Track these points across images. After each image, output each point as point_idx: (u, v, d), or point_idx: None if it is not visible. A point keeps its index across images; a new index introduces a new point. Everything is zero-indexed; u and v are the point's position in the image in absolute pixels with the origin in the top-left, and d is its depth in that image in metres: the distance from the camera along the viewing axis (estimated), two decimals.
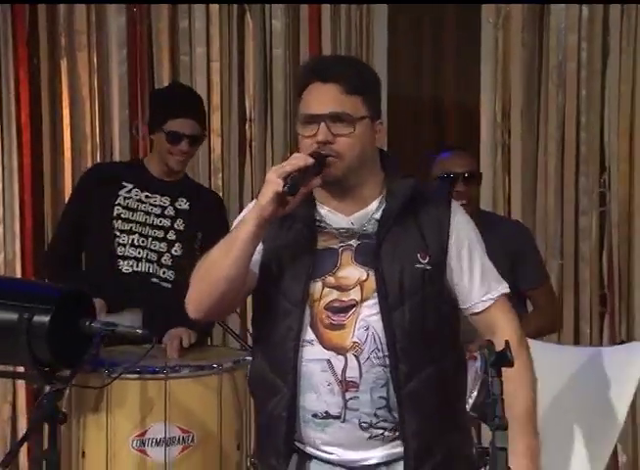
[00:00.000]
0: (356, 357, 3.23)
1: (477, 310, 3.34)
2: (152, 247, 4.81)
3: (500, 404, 2.59)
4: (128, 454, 4.19)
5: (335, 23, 5.89)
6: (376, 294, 3.25)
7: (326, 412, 3.26)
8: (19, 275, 5.63)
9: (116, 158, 5.66)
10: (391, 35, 6.02)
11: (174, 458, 4.25)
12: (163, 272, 4.78)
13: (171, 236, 4.81)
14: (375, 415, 3.25)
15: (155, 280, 4.79)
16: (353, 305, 3.26)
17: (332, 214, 3.28)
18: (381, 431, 3.26)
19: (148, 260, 4.80)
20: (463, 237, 3.34)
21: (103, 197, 4.82)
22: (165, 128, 4.76)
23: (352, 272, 3.28)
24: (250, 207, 3.36)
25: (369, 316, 3.25)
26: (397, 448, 3.28)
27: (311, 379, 3.26)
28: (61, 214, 5.14)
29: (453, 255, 3.32)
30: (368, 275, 3.26)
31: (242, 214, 3.41)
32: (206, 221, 4.85)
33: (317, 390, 3.25)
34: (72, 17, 5.63)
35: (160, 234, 4.80)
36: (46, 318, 3.89)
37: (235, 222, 3.44)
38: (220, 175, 5.64)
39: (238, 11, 5.73)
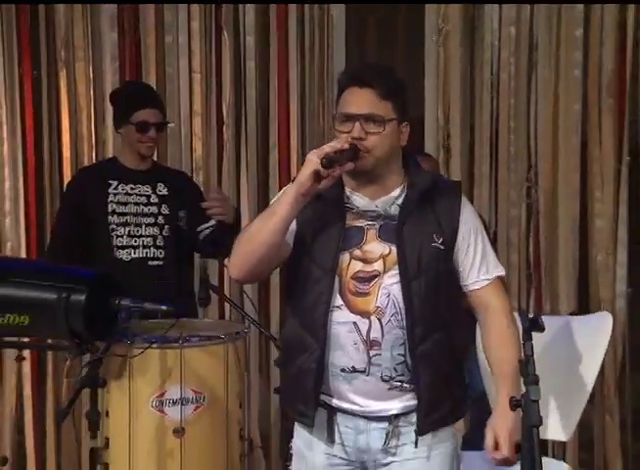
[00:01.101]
0: (379, 320, 3.37)
1: (474, 288, 3.49)
2: (146, 233, 4.88)
3: (532, 364, 2.83)
4: (148, 413, 4.30)
5: (301, 41, 5.87)
6: (397, 266, 3.37)
7: (352, 367, 3.37)
8: None
9: (109, 155, 5.57)
10: (349, 56, 6.03)
11: (188, 416, 4.37)
12: (160, 253, 4.87)
13: (160, 220, 4.90)
14: (394, 369, 3.37)
15: (150, 263, 4.85)
16: (376, 276, 3.38)
17: (359, 198, 3.40)
18: (399, 383, 3.37)
19: (144, 246, 4.88)
20: (470, 225, 3.48)
21: (95, 197, 4.88)
22: (133, 119, 4.83)
23: (376, 247, 3.40)
24: (286, 189, 3.45)
25: (390, 285, 3.37)
26: (412, 401, 3.41)
27: (339, 339, 3.38)
28: (55, 219, 5.14)
29: (461, 238, 3.46)
30: (390, 250, 3.39)
31: (279, 195, 3.50)
32: (185, 200, 4.94)
33: (344, 348, 3.37)
34: (71, 33, 5.63)
35: (150, 220, 4.89)
36: (82, 297, 4.09)
37: (272, 202, 3.52)
38: (201, 173, 5.71)
39: (216, 28, 5.77)
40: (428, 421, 3.39)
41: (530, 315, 2.98)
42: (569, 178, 5.61)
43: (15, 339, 4.73)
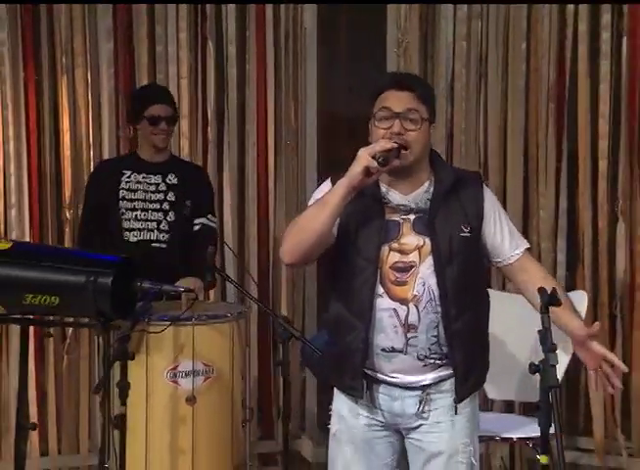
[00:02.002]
0: (416, 307, 3.43)
1: (510, 262, 3.56)
2: (151, 217, 5.00)
3: (550, 334, 2.96)
4: (163, 384, 4.47)
5: (278, 57, 5.94)
6: (431, 256, 3.43)
7: (392, 347, 3.45)
8: None
9: (106, 153, 5.68)
10: (320, 66, 6.06)
11: (199, 386, 4.54)
12: (163, 236, 4.97)
13: (165, 206, 5.00)
14: (429, 349, 3.45)
15: (155, 245, 4.97)
16: (413, 266, 3.44)
17: (393, 193, 3.46)
18: (432, 361, 3.46)
19: (149, 230, 4.98)
20: (494, 210, 3.56)
21: (110, 186, 5.02)
22: (147, 114, 4.94)
23: (412, 239, 3.45)
24: (323, 187, 3.56)
25: (426, 275, 3.43)
26: (443, 372, 3.48)
27: (381, 323, 3.44)
28: (82, 209, 5.21)
29: (487, 223, 3.53)
30: (424, 242, 3.44)
31: (319, 191, 3.57)
32: (193, 191, 5.06)
33: (385, 331, 3.44)
34: (71, 42, 5.60)
35: (156, 206, 4.98)
36: (109, 280, 4.13)
37: (312, 198, 3.58)
38: None
39: (201, 39, 5.80)
40: (463, 389, 3.49)
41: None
42: (515, 174, 5.72)
43: None
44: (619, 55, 5.64)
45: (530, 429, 4.35)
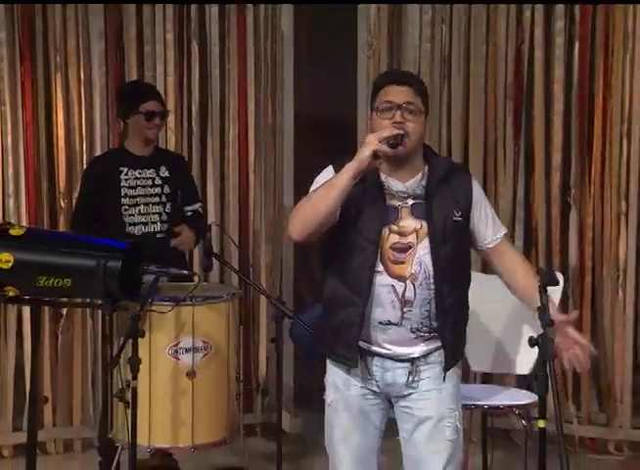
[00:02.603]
0: (413, 284, 3.50)
1: (491, 245, 3.66)
2: (153, 210, 5.05)
3: (548, 310, 3.06)
4: (165, 360, 4.50)
5: (257, 58, 5.99)
6: (427, 238, 3.51)
7: (388, 321, 3.52)
8: None
9: (97, 146, 5.73)
10: (296, 67, 6.11)
11: (198, 362, 4.57)
12: (164, 227, 5.04)
13: (163, 199, 5.07)
14: (421, 323, 3.53)
15: (159, 236, 5.03)
16: (410, 247, 3.51)
17: (391, 181, 3.51)
18: (422, 333, 3.54)
19: (152, 222, 5.04)
20: (480, 198, 3.66)
21: (111, 183, 5.00)
22: (142, 109, 4.96)
23: (410, 223, 3.52)
24: (325, 173, 3.59)
25: (422, 255, 3.51)
26: (430, 346, 3.57)
27: (380, 298, 3.51)
28: (77, 198, 5.27)
29: (474, 209, 3.62)
30: (421, 225, 3.52)
31: (321, 176, 3.59)
32: (181, 180, 5.16)
33: (383, 306, 3.51)
34: (64, 43, 5.65)
35: (156, 200, 5.05)
36: (118, 264, 4.25)
37: (314, 183, 3.59)
38: None
39: (187, 40, 5.86)
40: (451, 359, 3.58)
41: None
42: (476, 167, 5.79)
43: None
44: (572, 58, 5.78)
45: (506, 397, 4.46)
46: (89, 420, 5.79)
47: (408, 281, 3.51)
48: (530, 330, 4.15)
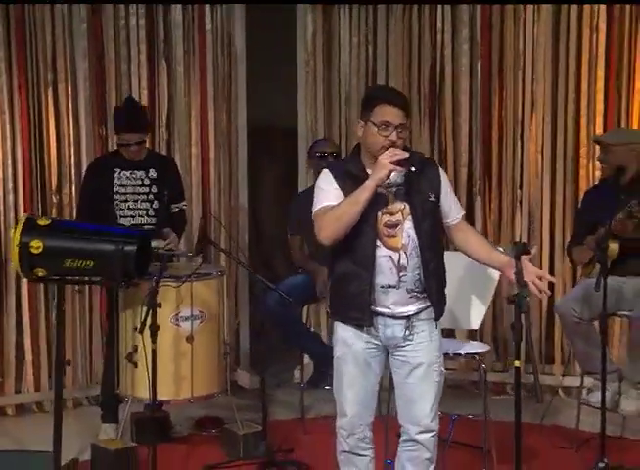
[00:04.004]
0: (405, 253, 3.66)
1: (454, 223, 3.81)
2: (141, 206, 5.12)
3: (522, 274, 3.27)
4: (168, 327, 4.69)
5: (215, 73, 6.13)
6: (410, 216, 3.67)
7: (389, 284, 3.66)
8: None
9: (84, 151, 5.77)
10: (248, 81, 6.22)
11: (196, 328, 4.79)
12: (151, 220, 5.13)
13: (150, 197, 5.15)
14: (414, 284, 3.68)
15: (146, 227, 5.09)
16: (399, 224, 3.66)
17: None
18: (415, 293, 3.68)
19: (140, 216, 5.12)
20: (446, 183, 3.79)
21: (105, 181, 5.11)
22: (119, 139, 5.11)
23: (396, 205, 3.67)
24: (325, 177, 3.71)
25: (408, 229, 3.66)
26: (421, 305, 3.71)
27: (381, 267, 3.65)
28: (79, 196, 5.39)
29: (443, 193, 3.76)
30: (405, 206, 3.67)
31: (324, 182, 3.71)
32: (169, 182, 5.21)
33: (384, 272, 3.65)
34: (54, 61, 5.69)
35: (144, 198, 5.14)
36: (134, 247, 4.37)
37: (318, 188, 3.73)
38: None
39: (157, 59, 5.96)
40: (438, 311, 3.75)
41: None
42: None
43: None
44: (475, 74, 6.05)
45: (466, 347, 4.60)
46: (79, 381, 5.87)
47: (401, 251, 3.67)
48: (477, 293, 4.56)
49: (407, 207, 3.70)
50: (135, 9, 5.90)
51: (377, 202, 3.64)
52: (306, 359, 5.92)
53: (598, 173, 5.84)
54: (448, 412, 4.27)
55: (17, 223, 4.57)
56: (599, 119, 5.91)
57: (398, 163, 3.55)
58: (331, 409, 5.24)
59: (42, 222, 4.53)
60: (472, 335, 5.08)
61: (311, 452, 4.92)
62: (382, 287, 3.69)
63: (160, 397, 4.60)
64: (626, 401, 4.91)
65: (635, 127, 5.80)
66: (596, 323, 4.88)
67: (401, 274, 3.69)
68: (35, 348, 5.81)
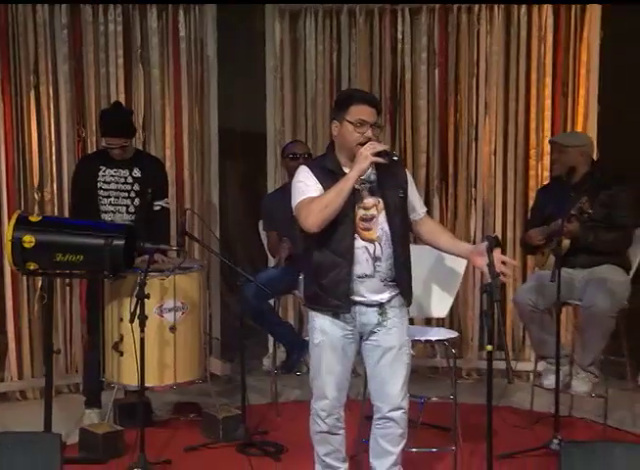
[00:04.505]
0: (379, 244, 3.75)
1: (419, 217, 3.94)
2: (122, 203, 5.14)
3: (494, 264, 3.37)
4: (152, 317, 4.71)
5: (189, 78, 6.12)
6: (384, 210, 3.77)
7: (365, 274, 3.75)
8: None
9: (64, 151, 5.78)
10: (219, 85, 6.23)
11: (178, 318, 4.85)
12: (131, 217, 5.14)
13: (132, 195, 5.15)
14: (387, 274, 3.78)
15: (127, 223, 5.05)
16: (373, 217, 3.76)
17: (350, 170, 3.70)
18: (388, 282, 3.79)
19: (120, 213, 5.12)
20: (411, 182, 3.92)
21: (90, 178, 5.12)
22: (104, 141, 5.10)
23: (370, 200, 3.77)
24: (305, 173, 3.76)
25: (382, 222, 3.76)
26: (392, 293, 3.81)
27: (358, 257, 3.73)
28: (70, 192, 5.39)
29: (410, 190, 3.88)
30: (379, 201, 3.77)
31: (304, 177, 3.75)
32: (153, 181, 5.21)
33: (361, 263, 3.74)
34: (36, 65, 5.69)
35: (125, 195, 5.15)
36: (122, 242, 4.48)
37: (300, 183, 3.74)
38: None
39: (133, 63, 5.96)
40: (408, 298, 3.88)
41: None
42: None
43: None
44: (432, 81, 6.18)
45: (434, 333, 4.73)
46: (60, 370, 5.83)
47: (376, 242, 3.76)
48: (444, 284, 4.67)
49: (381, 202, 3.80)
50: (113, 16, 5.91)
51: (353, 197, 3.72)
52: (271, 348, 6.05)
53: (546, 173, 6.06)
54: (415, 394, 4.36)
55: (9, 219, 4.61)
56: (547, 124, 6.10)
57: (378, 154, 3.63)
58: (299, 394, 5.45)
59: (33, 219, 4.63)
60: (429, 323, 5.23)
61: (285, 434, 5.02)
62: (359, 277, 3.77)
63: (146, 383, 4.63)
64: (576, 383, 5.08)
65: (579, 130, 6.00)
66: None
67: (376, 264, 3.78)
68: (18, 337, 5.81)
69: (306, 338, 5.86)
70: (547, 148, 6.02)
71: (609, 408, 5.06)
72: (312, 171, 3.82)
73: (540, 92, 6.09)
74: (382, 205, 3.81)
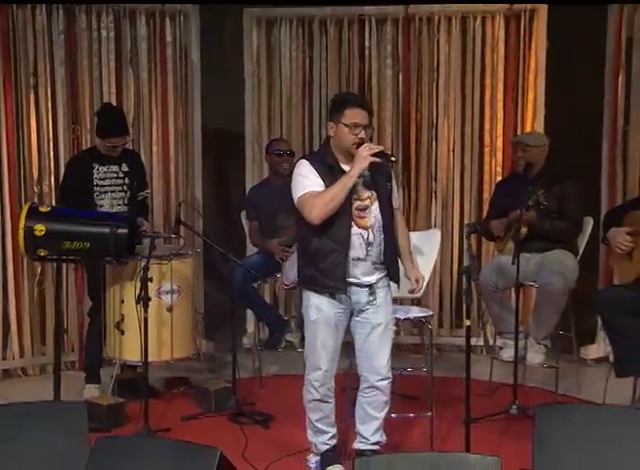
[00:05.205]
0: (372, 231, 3.87)
1: (394, 209, 4.04)
2: (117, 196, 5.20)
3: (471, 249, 3.56)
4: (152, 299, 4.61)
5: (175, 80, 6.17)
6: (377, 201, 3.89)
7: (358, 257, 3.86)
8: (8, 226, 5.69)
9: (61, 147, 5.79)
10: (202, 88, 6.28)
11: (174, 300, 4.95)
12: (125, 208, 5.19)
13: (124, 188, 5.23)
14: (377, 257, 3.90)
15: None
16: (367, 207, 3.87)
17: (348, 167, 3.84)
18: (378, 265, 3.92)
19: (117, 205, 5.19)
20: (394, 177, 4.08)
21: (85, 175, 5.15)
22: (107, 141, 5.11)
23: (365, 192, 3.87)
24: (305, 166, 3.82)
25: (375, 211, 3.87)
26: (380, 274, 3.94)
27: (354, 242, 3.84)
28: (60, 188, 5.36)
29: (394, 184, 4.05)
30: (372, 193, 3.88)
31: (305, 171, 3.80)
32: (137, 174, 5.30)
33: (355, 247, 3.84)
34: (36, 68, 5.72)
35: (119, 188, 5.22)
36: (125, 230, 4.59)
37: (299, 176, 3.80)
38: None
39: (124, 67, 6.01)
40: (396, 278, 4.00)
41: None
42: None
43: None
44: (396, 84, 6.31)
45: (412, 311, 4.83)
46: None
47: (369, 230, 3.88)
48: (420, 267, 4.59)
49: (374, 194, 3.92)
50: (106, 23, 5.96)
51: (350, 190, 3.84)
52: (251, 328, 6.15)
53: (499, 168, 6.26)
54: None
55: (21, 210, 4.69)
56: (499, 124, 6.26)
57: (375, 155, 3.76)
58: (278, 369, 5.55)
59: (43, 209, 4.70)
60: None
61: (270, 404, 5.14)
62: (353, 259, 3.89)
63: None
64: (531, 355, 5.28)
65: (528, 130, 6.18)
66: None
67: (368, 249, 3.91)
68: (20, 319, 5.84)
69: (286, 318, 6.13)
70: (500, 146, 6.24)
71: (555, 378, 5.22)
72: (312, 166, 3.90)
73: (493, 96, 6.26)
74: (375, 196, 3.92)
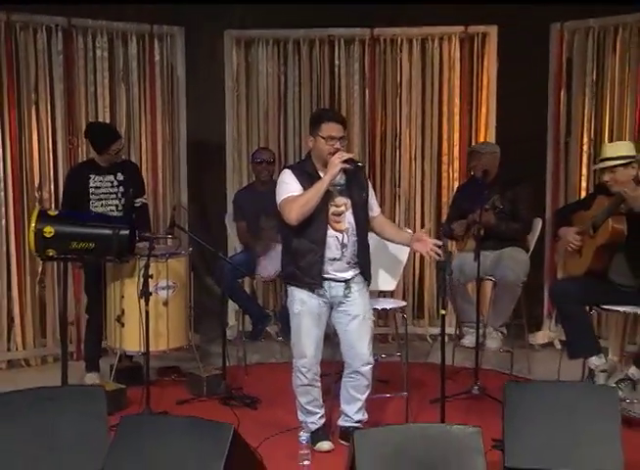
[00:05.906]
0: (347, 234, 3.97)
1: (375, 215, 4.15)
2: (112, 203, 5.20)
3: (447, 245, 3.69)
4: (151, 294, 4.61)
5: (162, 95, 6.26)
6: (352, 208, 3.98)
7: (334, 257, 3.97)
8: (11, 228, 5.71)
9: (60, 157, 5.83)
10: (188, 102, 6.33)
11: (170, 295, 5.01)
12: (119, 214, 5.17)
13: (119, 196, 5.23)
14: (351, 257, 4.00)
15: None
16: (342, 213, 3.97)
17: (324, 174, 3.91)
18: (352, 264, 4.02)
19: (111, 211, 5.17)
20: (370, 186, 4.14)
21: (82, 185, 5.14)
22: (110, 150, 5.10)
23: (341, 199, 3.97)
24: (288, 175, 3.91)
25: (349, 217, 3.97)
26: (355, 272, 4.03)
27: (330, 244, 3.94)
28: (62, 197, 5.34)
29: (370, 193, 4.10)
30: (348, 201, 3.97)
31: (288, 179, 3.89)
32: (133, 182, 5.28)
33: (331, 248, 3.96)
34: (36, 85, 5.76)
35: (114, 196, 5.22)
36: (127, 232, 4.66)
37: (283, 183, 3.89)
38: None
39: (117, 84, 6.06)
40: (368, 276, 4.11)
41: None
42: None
43: None
44: (364, 98, 6.42)
45: (387, 303, 4.90)
46: (57, 341, 5.81)
47: (344, 233, 3.99)
48: (392, 264, 4.83)
49: (349, 201, 4.02)
50: (100, 44, 6.03)
51: (327, 197, 3.97)
52: (232, 321, 6.25)
53: (456, 174, 6.42)
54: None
55: (31, 214, 4.74)
56: (456, 135, 6.43)
57: (346, 161, 3.86)
58: (259, 358, 5.60)
59: (52, 213, 4.77)
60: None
61: (256, 389, 5.23)
62: (329, 259, 4.01)
63: (145, 348, 4.70)
64: (490, 341, 5.49)
65: (481, 140, 6.37)
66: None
67: (343, 250, 4.02)
68: (22, 314, 5.88)
69: (269, 311, 6.23)
70: (456, 154, 6.41)
71: (508, 361, 5.42)
72: (294, 173, 4.01)
73: (450, 110, 6.42)
74: (349, 203, 4.01)
